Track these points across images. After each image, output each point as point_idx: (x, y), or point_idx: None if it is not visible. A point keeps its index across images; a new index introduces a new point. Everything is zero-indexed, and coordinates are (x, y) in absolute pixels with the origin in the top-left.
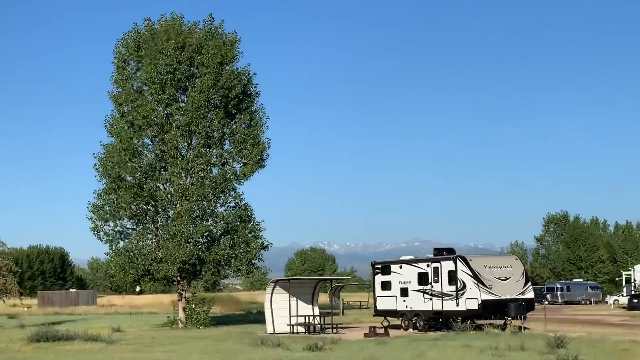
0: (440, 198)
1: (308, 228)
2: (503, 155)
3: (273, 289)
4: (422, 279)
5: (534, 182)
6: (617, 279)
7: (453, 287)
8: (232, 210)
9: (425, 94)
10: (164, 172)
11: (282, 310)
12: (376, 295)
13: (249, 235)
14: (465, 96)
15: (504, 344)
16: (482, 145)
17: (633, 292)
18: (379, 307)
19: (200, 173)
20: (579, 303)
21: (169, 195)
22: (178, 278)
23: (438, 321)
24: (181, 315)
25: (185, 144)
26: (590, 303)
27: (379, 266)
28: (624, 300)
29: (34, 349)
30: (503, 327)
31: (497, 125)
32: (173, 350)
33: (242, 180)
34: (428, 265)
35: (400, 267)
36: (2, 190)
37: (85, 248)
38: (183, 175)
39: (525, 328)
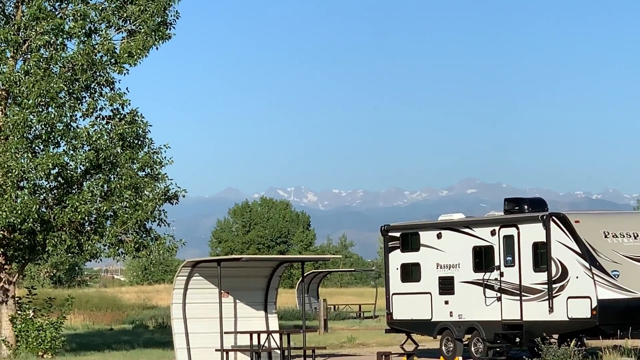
0: (516, 110)
1: (258, 162)
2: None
3: (188, 280)
4: (482, 259)
5: None
6: None
7: (543, 276)
8: (107, 124)
9: None
10: None
11: (206, 323)
12: (391, 293)
13: (141, 174)
14: None
15: None
16: None
17: None
18: (396, 316)
19: (42, 51)
20: None
21: None
22: (0, 259)
23: (513, 342)
24: (5, 332)
25: None
26: None
27: (397, 234)
28: None
29: None
30: None
31: None
32: None
33: (127, 66)
34: (493, 233)
35: (439, 235)
36: None
37: None
38: (9, 55)
39: None
